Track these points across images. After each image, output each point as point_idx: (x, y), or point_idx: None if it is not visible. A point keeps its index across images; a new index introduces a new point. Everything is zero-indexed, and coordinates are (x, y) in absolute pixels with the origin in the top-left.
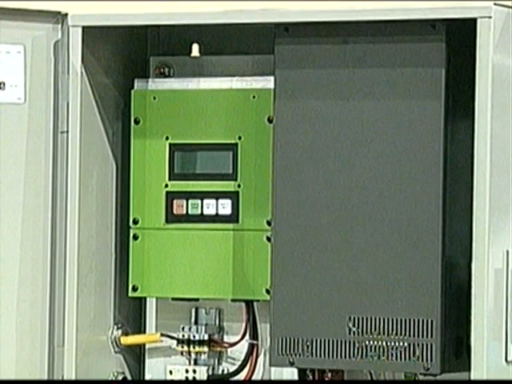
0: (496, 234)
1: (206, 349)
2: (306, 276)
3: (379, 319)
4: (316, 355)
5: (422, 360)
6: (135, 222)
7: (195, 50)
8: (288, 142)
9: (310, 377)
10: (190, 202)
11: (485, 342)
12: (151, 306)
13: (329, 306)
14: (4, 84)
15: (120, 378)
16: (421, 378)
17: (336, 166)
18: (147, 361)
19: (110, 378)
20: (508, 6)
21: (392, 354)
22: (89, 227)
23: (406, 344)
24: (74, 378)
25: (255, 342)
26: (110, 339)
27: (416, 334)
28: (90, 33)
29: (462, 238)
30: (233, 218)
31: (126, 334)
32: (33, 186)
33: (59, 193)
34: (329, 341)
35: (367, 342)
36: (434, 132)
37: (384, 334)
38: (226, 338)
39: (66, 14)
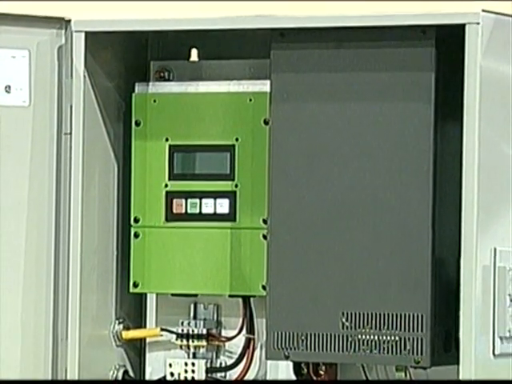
0: (484, 232)
1: (204, 343)
2: (301, 272)
3: (371, 314)
4: (310, 349)
5: (413, 353)
6: (136, 220)
7: (194, 54)
8: (283, 144)
9: (305, 370)
10: (189, 201)
11: (473, 336)
12: (151, 302)
13: (323, 302)
14: (10, 87)
15: (121, 370)
16: (411, 370)
17: (329, 166)
18: (147, 354)
19: (111, 371)
20: (496, 13)
21: (384, 348)
22: (91, 226)
23: (397, 338)
24: (76, 370)
25: (252, 336)
26: (112, 333)
27: (407, 328)
28: (93, 38)
29: (450, 235)
30: (230, 216)
31: (127, 328)
32: (37, 186)
33: (63, 192)
34: (323, 335)
35: (360, 336)
36: (424, 133)
37: (376, 328)
38: (223, 333)
39: (70, 20)
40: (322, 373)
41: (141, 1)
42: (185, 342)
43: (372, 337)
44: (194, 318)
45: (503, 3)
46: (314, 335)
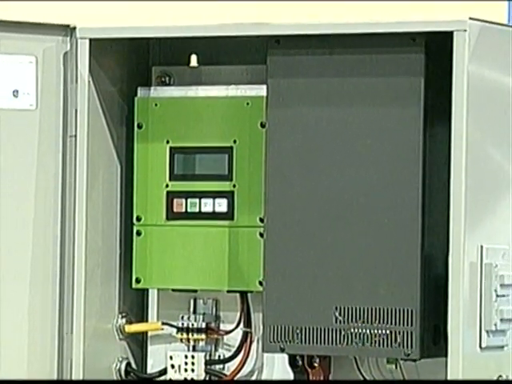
0: (471, 230)
1: (203, 336)
2: (296, 269)
3: (363, 309)
4: (305, 342)
5: (403, 346)
6: (138, 219)
7: (194, 60)
8: (279, 146)
9: (300, 362)
10: (188, 200)
11: (460, 330)
12: (153, 297)
13: (317, 297)
14: (17, 92)
15: (124, 363)
16: (401, 362)
17: (323, 166)
18: (149, 347)
19: (114, 363)
20: (482, 20)
21: (375, 341)
22: (95, 224)
23: (387, 331)
24: (81, 362)
25: (249, 329)
26: (115, 327)
27: (397, 322)
28: (97, 44)
29: (439, 233)
30: (228, 215)
31: (129, 322)
32: (43, 187)
33: (68, 192)
34: (317, 328)
35: (352, 330)
36: (414, 135)
37: (367, 322)
38: (222, 327)
39: (75, 28)
40: (316, 365)
41: (143, 1)
42: (185, 335)
43: (364, 330)
44: (194, 312)
45: (492, 10)
46: (309, 329)
